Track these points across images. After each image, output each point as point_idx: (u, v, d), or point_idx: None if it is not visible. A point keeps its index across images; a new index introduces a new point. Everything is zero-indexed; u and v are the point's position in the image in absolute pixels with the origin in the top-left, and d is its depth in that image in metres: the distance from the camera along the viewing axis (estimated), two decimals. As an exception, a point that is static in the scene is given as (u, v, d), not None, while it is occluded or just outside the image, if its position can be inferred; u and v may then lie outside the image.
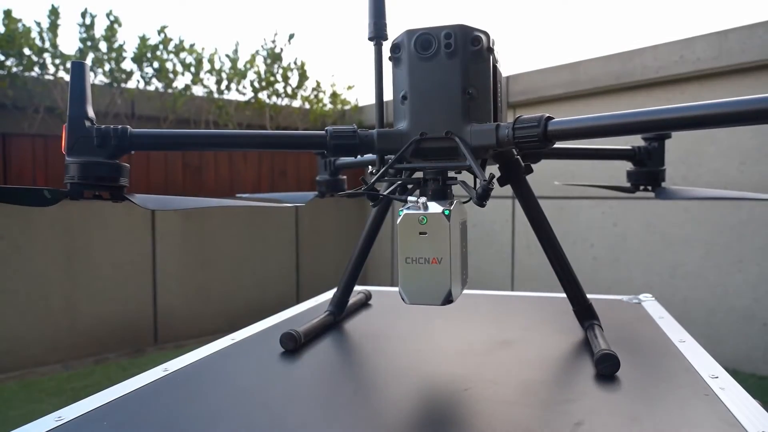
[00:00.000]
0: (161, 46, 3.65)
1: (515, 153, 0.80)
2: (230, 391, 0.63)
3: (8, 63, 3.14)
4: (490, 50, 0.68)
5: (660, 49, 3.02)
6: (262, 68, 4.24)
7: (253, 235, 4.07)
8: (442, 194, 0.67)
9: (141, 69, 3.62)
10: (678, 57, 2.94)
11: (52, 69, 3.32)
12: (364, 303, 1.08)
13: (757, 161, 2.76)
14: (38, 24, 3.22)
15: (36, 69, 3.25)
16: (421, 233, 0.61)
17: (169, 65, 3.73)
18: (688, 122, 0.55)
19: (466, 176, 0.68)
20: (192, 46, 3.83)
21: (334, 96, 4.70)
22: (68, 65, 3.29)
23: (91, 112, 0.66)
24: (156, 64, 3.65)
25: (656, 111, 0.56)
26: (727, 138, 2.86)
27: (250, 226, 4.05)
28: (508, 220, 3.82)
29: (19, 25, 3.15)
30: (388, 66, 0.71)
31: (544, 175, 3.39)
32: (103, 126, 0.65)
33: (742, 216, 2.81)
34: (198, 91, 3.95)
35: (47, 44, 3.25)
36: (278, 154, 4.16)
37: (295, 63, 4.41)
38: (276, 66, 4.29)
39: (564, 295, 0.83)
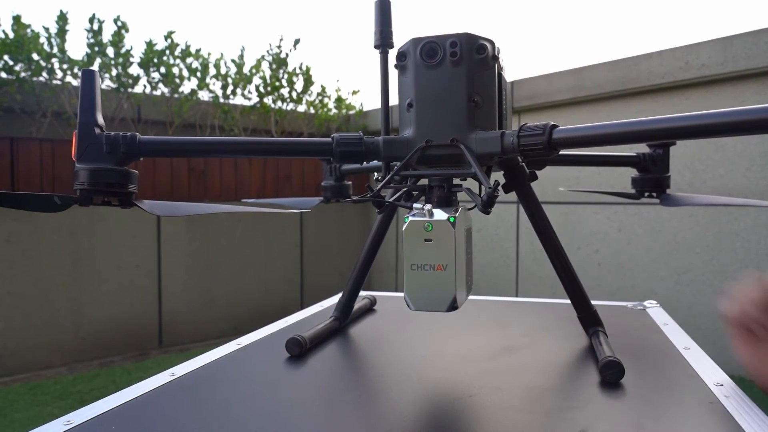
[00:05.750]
0: (168, 52, 3.68)
1: (520, 160, 0.80)
2: (237, 396, 0.64)
3: (17, 68, 3.17)
4: (496, 58, 0.68)
5: (665, 54, 3.02)
6: (268, 73, 4.27)
7: (257, 239, 4.08)
8: (447, 201, 0.68)
9: (148, 74, 3.65)
10: (683, 63, 2.94)
11: (60, 74, 3.35)
12: (369, 308, 1.09)
13: (763, 167, 2.75)
14: (47, 29, 3.26)
15: (44, 74, 3.28)
16: (426, 240, 0.62)
17: (175, 70, 3.76)
18: (694, 131, 0.55)
19: (471, 183, 0.68)
20: (198, 51, 3.86)
21: (339, 101, 4.72)
22: (76, 70, 3.33)
23: (100, 120, 0.66)
24: (162, 69, 3.68)
25: (661, 120, 0.57)
26: (732, 144, 2.85)
27: (255, 230, 4.06)
28: (513, 226, 3.82)
29: (28, 30, 3.18)
30: (393, 74, 0.72)
31: (548, 181, 3.40)
32: (112, 133, 0.66)
33: (748, 222, 2.80)
34: (204, 95, 3.97)
35: (55, 49, 3.28)
36: (283, 159, 4.17)
37: (300, 68, 4.43)
38: (281, 71, 4.32)
39: (568, 301, 0.83)
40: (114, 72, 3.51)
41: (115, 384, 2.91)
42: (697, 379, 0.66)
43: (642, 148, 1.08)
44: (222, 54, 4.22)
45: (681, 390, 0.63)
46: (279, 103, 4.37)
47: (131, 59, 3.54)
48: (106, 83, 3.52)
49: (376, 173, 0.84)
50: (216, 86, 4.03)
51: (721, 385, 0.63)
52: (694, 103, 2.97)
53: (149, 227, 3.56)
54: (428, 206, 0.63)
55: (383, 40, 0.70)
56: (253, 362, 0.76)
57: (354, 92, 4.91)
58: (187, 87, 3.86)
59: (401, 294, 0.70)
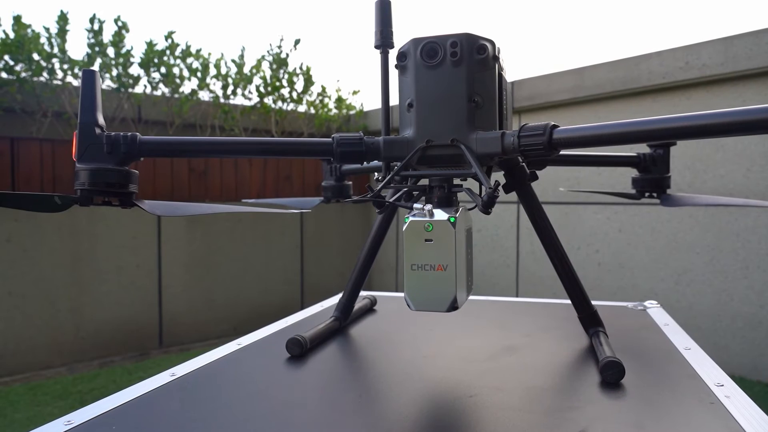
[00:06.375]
0: (168, 52, 3.68)
1: (520, 160, 0.80)
2: (237, 396, 0.64)
3: (17, 68, 3.17)
4: (496, 58, 0.68)
5: (666, 55, 3.02)
6: (268, 73, 4.27)
7: (257, 240, 4.08)
8: (447, 201, 0.68)
9: (148, 74, 3.65)
10: (684, 63, 2.94)
11: (60, 74, 3.35)
12: (370, 308, 1.09)
13: (763, 168, 2.75)
14: (47, 30, 3.25)
15: (44, 74, 3.28)
16: (426, 240, 0.62)
17: (175, 70, 3.76)
18: (693, 131, 0.55)
19: (471, 183, 0.68)
20: (198, 51, 3.85)
21: (339, 101, 4.72)
22: (76, 70, 3.33)
23: (101, 120, 0.67)
24: (163, 69, 3.68)
25: (661, 120, 0.57)
26: (733, 144, 2.85)
27: (255, 231, 4.06)
28: (513, 226, 3.82)
29: (29, 30, 3.18)
30: (394, 74, 0.72)
31: (549, 181, 3.40)
32: (113, 133, 0.66)
33: (748, 222, 2.80)
34: (204, 95, 3.97)
35: (56, 50, 3.28)
36: (283, 159, 4.17)
37: (300, 68, 4.43)
38: (282, 71, 4.32)
39: (569, 301, 0.83)
40: (114, 72, 3.51)
41: (116, 384, 2.91)
42: (698, 379, 0.66)
43: (642, 149, 1.08)
44: (222, 54, 4.22)
45: (681, 390, 0.63)
46: (279, 103, 4.37)
47: (131, 59, 3.54)
48: (107, 83, 3.52)
49: (376, 173, 0.84)
50: (216, 86, 4.03)
51: (722, 385, 0.63)
52: (695, 104, 2.97)
53: (150, 227, 3.56)
54: (428, 206, 0.63)
55: (383, 41, 0.70)
56: (254, 362, 0.76)
57: (354, 92, 4.91)
58: (187, 87, 3.86)
59: (401, 294, 0.70)
